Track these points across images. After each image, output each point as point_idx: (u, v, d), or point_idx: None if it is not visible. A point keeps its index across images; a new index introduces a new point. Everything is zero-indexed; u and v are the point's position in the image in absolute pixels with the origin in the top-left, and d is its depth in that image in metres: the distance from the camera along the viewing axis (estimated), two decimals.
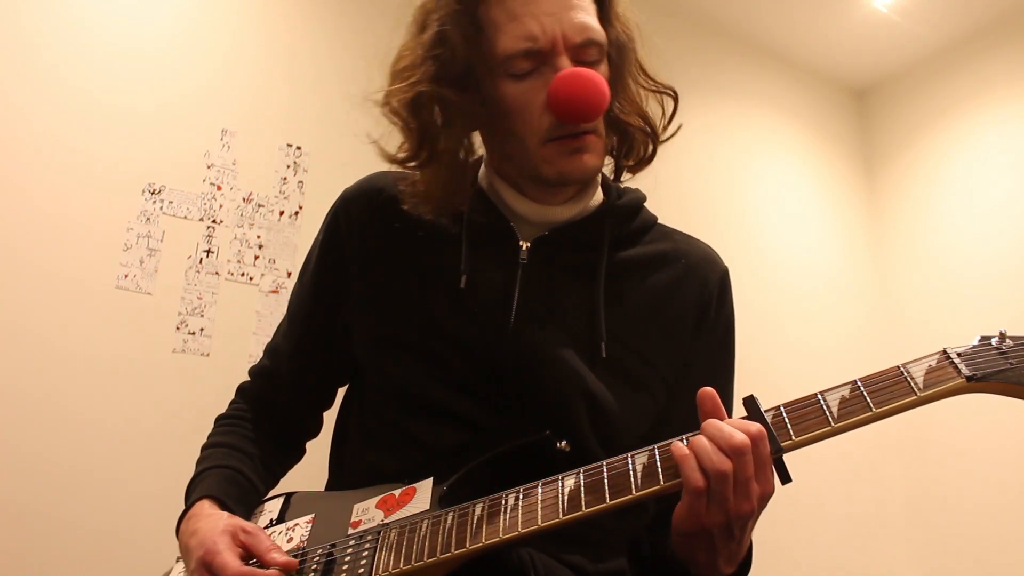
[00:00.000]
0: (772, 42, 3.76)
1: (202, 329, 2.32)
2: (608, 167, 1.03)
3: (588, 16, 0.92)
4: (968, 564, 3.26)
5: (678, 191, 3.28)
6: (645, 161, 1.01)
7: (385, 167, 1.01)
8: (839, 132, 3.99)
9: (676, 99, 1.00)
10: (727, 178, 3.55)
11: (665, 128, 1.00)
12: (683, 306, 0.99)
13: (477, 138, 1.02)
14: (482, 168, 1.04)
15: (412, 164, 0.97)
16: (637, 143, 0.99)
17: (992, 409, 3.22)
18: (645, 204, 1.06)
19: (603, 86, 0.88)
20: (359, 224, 1.02)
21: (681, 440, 0.75)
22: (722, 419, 0.75)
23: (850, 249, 3.84)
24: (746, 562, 0.81)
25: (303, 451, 1.14)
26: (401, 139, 0.97)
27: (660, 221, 1.09)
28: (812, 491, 3.30)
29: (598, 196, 1.03)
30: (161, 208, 2.33)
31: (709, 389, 0.77)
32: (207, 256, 2.38)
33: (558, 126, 0.90)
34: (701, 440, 0.73)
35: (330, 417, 1.13)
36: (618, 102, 0.96)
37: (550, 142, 0.91)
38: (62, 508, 2.03)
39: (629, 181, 1.06)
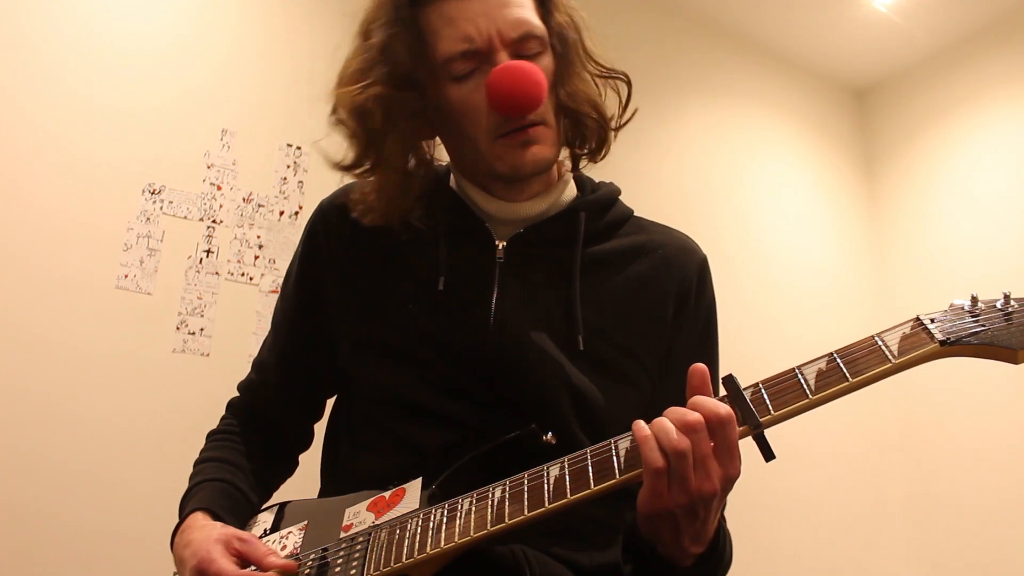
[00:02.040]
0: (772, 42, 3.76)
1: (202, 329, 2.33)
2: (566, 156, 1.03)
3: (523, 11, 0.92)
4: (967, 563, 3.26)
5: (678, 191, 3.28)
6: (599, 149, 1.01)
7: None
8: (839, 132, 3.99)
9: (629, 84, 1.00)
10: (727, 178, 3.55)
11: (622, 114, 1.01)
12: (662, 296, 1.00)
13: (441, 147, 1.03)
14: (452, 173, 1.05)
15: (358, 171, 0.98)
16: (589, 131, 0.99)
17: (992, 408, 3.22)
18: (620, 198, 1.06)
19: (537, 75, 0.88)
20: (337, 233, 1.04)
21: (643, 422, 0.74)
22: (708, 395, 0.75)
23: (850, 249, 3.84)
24: (716, 547, 0.80)
25: (296, 463, 1.15)
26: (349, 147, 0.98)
27: (660, 217, 1.09)
28: (811, 490, 3.30)
29: (571, 191, 1.04)
30: (161, 208, 2.34)
31: (701, 365, 0.77)
32: (207, 256, 2.38)
33: (504, 122, 0.91)
34: (662, 421, 0.73)
35: (321, 427, 1.13)
36: (565, 91, 0.96)
37: (499, 139, 0.92)
38: (62, 508, 2.03)
39: (618, 176, 1.06)
